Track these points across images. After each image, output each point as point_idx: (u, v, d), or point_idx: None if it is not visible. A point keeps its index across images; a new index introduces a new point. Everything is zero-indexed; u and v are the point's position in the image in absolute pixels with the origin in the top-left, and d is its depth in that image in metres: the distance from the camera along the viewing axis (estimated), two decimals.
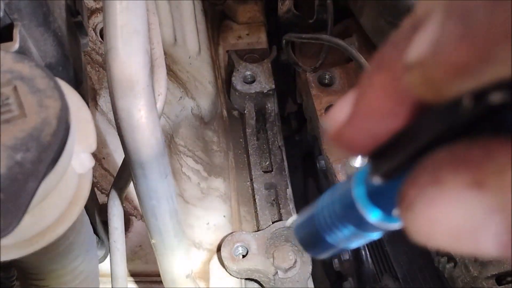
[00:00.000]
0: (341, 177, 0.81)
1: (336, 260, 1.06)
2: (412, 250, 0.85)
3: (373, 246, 0.90)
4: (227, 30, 1.29)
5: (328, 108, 0.87)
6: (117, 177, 0.63)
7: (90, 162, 0.40)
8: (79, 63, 0.56)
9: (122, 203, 0.64)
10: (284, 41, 0.74)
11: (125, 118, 0.50)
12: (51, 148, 0.33)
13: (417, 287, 0.80)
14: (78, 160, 0.39)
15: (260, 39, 1.28)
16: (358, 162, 0.76)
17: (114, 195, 0.63)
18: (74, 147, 0.37)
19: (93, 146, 0.39)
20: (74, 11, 0.56)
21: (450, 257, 0.80)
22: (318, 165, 0.97)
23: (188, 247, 0.66)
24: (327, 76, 0.89)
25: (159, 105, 0.58)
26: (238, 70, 1.05)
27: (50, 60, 0.51)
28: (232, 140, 1.09)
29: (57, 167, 0.34)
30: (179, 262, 0.66)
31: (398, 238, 0.86)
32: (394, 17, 0.65)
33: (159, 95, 0.58)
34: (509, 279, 0.72)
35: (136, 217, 0.84)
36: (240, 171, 1.07)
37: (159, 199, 0.57)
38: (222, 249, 0.87)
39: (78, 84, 0.56)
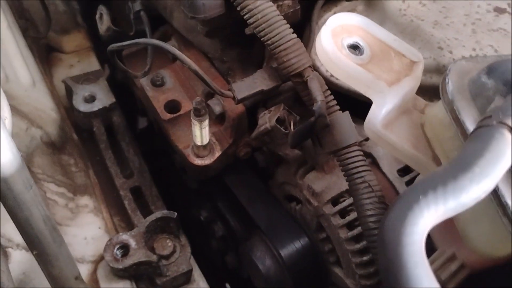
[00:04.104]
0: (192, 159, 0.92)
1: (213, 242, 1.17)
2: (270, 204, 0.99)
3: (235, 211, 1.02)
4: (57, 62, 1.34)
5: (167, 104, 0.97)
6: None
7: None
8: None
9: None
10: (108, 52, 0.83)
11: None
12: None
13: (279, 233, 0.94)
14: None
15: (92, 63, 1.35)
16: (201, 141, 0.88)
17: None
18: None
19: None
20: None
21: (297, 200, 0.96)
22: (175, 159, 1.08)
23: (69, 250, 0.72)
24: (158, 78, 0.99)
25: (8, 128, 0.64)
26: (76, 93, 1.11)
27: None
28: (89, 159, 1.14)
29: None
30: (65, 265, 0.72)
31: (256, 197, 0.99)
32: (193, 13, 0.78)
33: (5, 119, 0.64)
34: (341, 200, 0.88)
35: (12, 248, 0.87)
36: (106, 186, 1.13)
37: (30, 209, 0.63)
38: (104, 254, 0.93)
39: None
